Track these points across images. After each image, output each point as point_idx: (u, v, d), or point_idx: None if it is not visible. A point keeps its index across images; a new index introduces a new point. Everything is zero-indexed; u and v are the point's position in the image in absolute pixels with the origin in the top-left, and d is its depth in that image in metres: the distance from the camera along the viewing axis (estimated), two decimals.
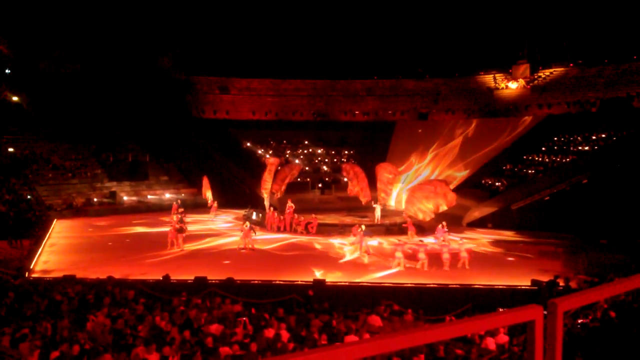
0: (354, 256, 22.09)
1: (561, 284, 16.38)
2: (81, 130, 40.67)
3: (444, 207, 26.44)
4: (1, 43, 40.38)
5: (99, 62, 45.88)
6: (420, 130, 45.53)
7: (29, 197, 30.95)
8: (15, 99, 40.96)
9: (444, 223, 24.53)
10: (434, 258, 19.79)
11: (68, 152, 39.27)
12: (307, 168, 44.92)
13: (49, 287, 14.89)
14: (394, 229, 27.93)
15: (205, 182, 35.41)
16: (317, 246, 24.60)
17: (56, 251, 22.96)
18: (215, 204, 33.52)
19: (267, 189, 32.21)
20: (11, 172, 33.14)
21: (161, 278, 17.21)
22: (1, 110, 38.52)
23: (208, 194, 35.13)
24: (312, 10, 59.91)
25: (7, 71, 42.79)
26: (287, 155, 46.56)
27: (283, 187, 32.54)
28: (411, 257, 20.16)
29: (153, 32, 51.60)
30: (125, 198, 36.90)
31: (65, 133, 40.30)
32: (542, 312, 1.81)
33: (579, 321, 10.53)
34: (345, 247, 23.88)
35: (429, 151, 42.71)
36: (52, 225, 28.50)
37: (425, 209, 26.94)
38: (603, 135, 35.14)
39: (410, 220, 26.32)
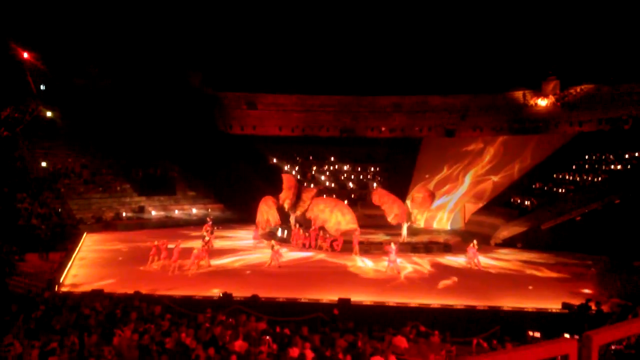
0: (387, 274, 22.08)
1: (593, 307, 15.93)
2: (112, 145, 41.53)
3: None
4: (37, 59, 41.51)
5: (131, 78, 46.83)
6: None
7: (60, 210, 31.60)
8: (49, 114, 42.04)
9: (475, 242, 24.14)
10: None
11: (99, 167, 40.10)
12: (333, 185, 44.90)
13: (78, 301, 15.10)
14: (420, 247, 27.70)
15: (272, 202, 31.34)
16: (343, 263, 24.47)
17: (85, 265, 23.34)
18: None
19: (287, 204, 32.28)
20: (44, 186, 33.91)
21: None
22: (35, 126, 39.55)
23: (271, 217, 30.75)
24: (339, 26, 60.34)
25: (42, 87, 43.93)
26: (313, 172, 46.63)
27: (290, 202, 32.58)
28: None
29: (183, 49, 52.60)
30: (153, 213, 37.38)
31: (97, 148, 41.23)
32: (576, 346, 1.76)
33: (612, 347, 10.19)
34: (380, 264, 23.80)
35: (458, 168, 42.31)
36: (82, 239, 29.01)
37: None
38: (636, 154, 34.35)
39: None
